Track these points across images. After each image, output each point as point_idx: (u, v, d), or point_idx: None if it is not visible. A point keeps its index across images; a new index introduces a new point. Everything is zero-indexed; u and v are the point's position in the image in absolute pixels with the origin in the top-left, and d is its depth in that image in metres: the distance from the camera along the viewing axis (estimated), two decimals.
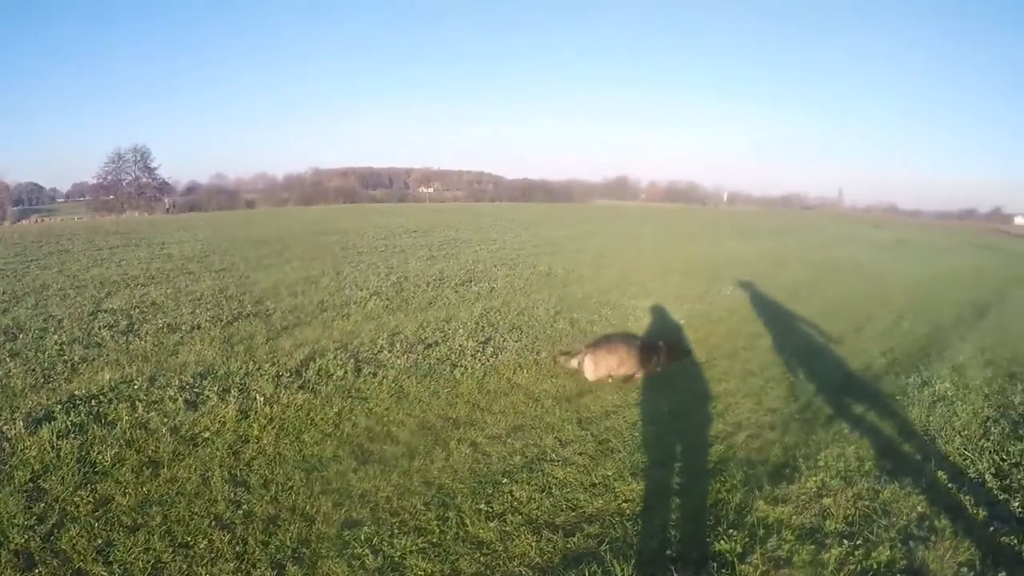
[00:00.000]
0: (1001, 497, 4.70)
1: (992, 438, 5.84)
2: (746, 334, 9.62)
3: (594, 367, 6.88)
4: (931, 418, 6.33)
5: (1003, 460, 5.35)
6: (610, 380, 6.93)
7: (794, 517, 4.20)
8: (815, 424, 6.03)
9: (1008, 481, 4.96)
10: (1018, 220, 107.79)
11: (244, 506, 4.08)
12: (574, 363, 7.02)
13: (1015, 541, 4.09)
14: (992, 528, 4.26)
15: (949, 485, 4.84)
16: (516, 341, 8.09)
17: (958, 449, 5.58)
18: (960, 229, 63.39)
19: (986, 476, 5.05)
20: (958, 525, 4.23)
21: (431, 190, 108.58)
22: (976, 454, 5.47)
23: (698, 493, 4.54)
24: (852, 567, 3.78)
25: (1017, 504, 4.59)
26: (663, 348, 7.35)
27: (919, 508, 4.47)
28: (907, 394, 7.06)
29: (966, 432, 5.98)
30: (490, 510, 4.18)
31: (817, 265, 19.65)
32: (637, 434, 5.58)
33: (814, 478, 4.75)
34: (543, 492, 4.45)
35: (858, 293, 14.55)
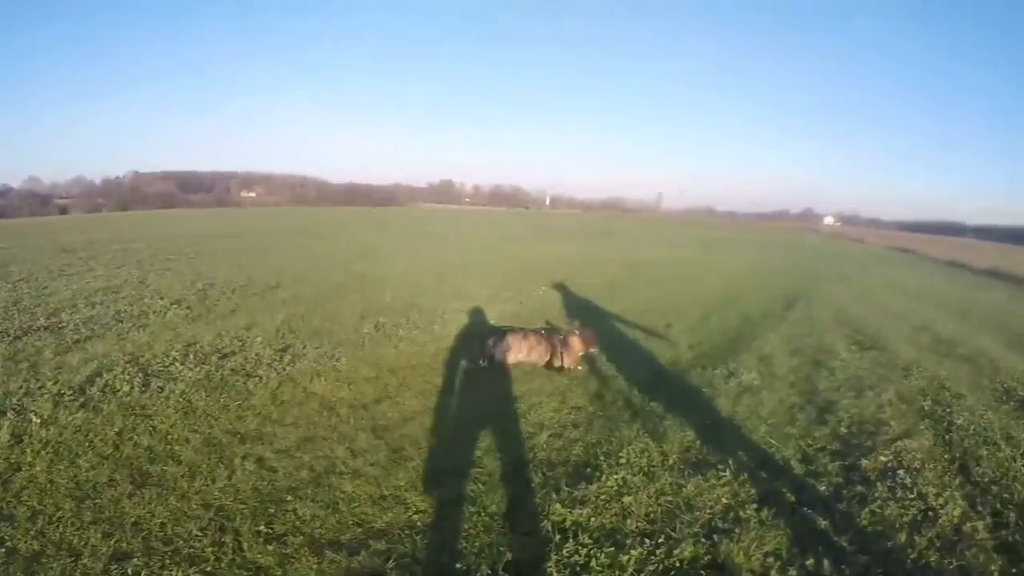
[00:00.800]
0: (808, 482, 5.29)
1: (798, 424, 6.60)
2: None
3: (503, 352, 7.90)
4: (737, 408, 7.04)
5: (809, 446, 6.05)
6: (520, 364, 7.97)
7: (593, 519, 4.46)
8: (619, 421, 6.53)
9: (814, 466, 5.60)
10: (827, 220, 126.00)
11: (8, 543, 3.97)
12: (489, 344, 8.02)
13: (823, 525, 4.58)
14: (799, 514, 4.71)
15: (755, 474, 5.35)
16: (316, 348, 8.68)
17: (763, 437, 6.23)
18: (773, 229, 75.07)
19: (792, 462, 5.68)
20: (764, 514, 4.65)
21: (253, 195, 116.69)
22: (782, 441, 6.13)
23: (494, 499, 4.76)
24: (653, 567, 4.00)
25: (824, 488, 5.17)
26: (572, 337, 8.20)
27: (724, 500, 4.88)
28: (713, 386, 7.79)
29: (772, 420, 6.71)
30: (271, 532, 4.24)
31: (632, 264, 22.44)
32: (434, 440, 5.88)
33: (615, 476, 5.10)
34: (329, 509, 4.57)
35: (671, 290, 16.54)
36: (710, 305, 14.06)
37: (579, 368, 8.15)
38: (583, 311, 12.25)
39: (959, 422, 6.74)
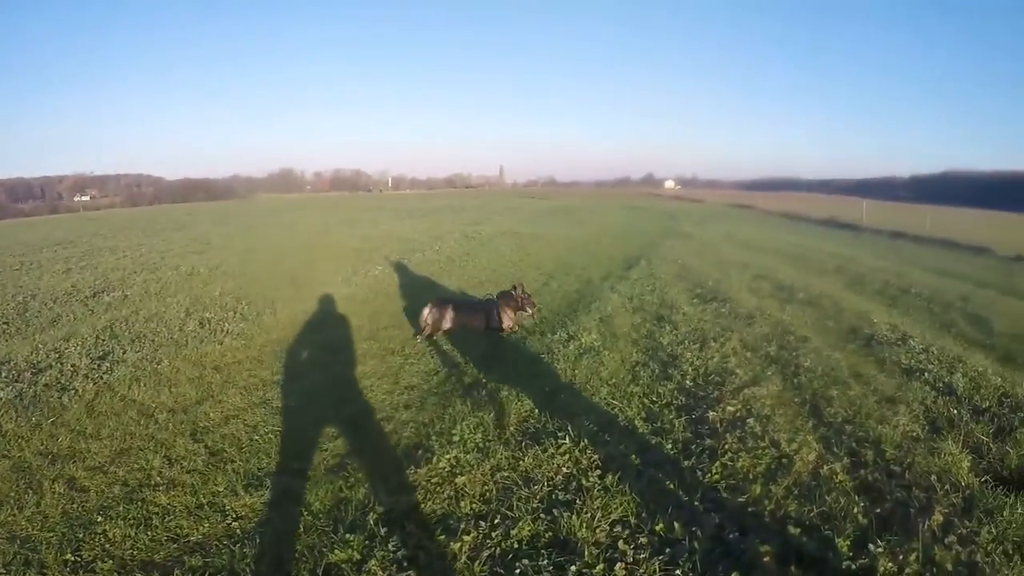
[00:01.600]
0: (653, 441, 4.97)
1: (641, 382, 6.33)
2: (389, 312, 10.41)
3: (433, 319, 8.21)
4: (577, 372, 6.75)
5: (653, 403, 5.77)
6: (446, 331, 8.24)
7: (423, 505, 4.20)
8: (453, 397, 6.33)
9: (659, 423, 5.31)
10: (668, 184, 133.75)
11: None
12: (424, 314, 8.30)
13: (672, 485, 4.27)
14: (646, 476, 4.39)
15: (597, 438, 5.00)
16: (137, 352, 8.25)
17: (605, 399, 5.93)
18: (616, 195, 79.07)
19: (636, 422, 5.37)
20: (609, 480, 4.31)
21: (87, 198, 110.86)
22: (624, 401, 5.83)
23: (318, 496, 4.48)
24: (488, 552, 3.64)
25: (670, 446, 4.86)
26: (505, 302, 8.26)
27: (564, 469, 4.55)
28: (552, 351, 7.54)
29: (613, 380, 6.44)
30: (78, 559, 3.93)
31: (472, 237, 22.18)
32: (257, 438, 5.62)
33: (447, 456, 4.81)
34: (142, 526, 4.27)
35: (511, 259, 16.67)
36: (551, 271, 14.20)
37: (516, 329, 8.37)
38: (420, 287, 12.22)
39: (806, 364, 6.69)
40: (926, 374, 6.55)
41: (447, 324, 8.20)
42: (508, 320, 8.21)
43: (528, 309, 8.42)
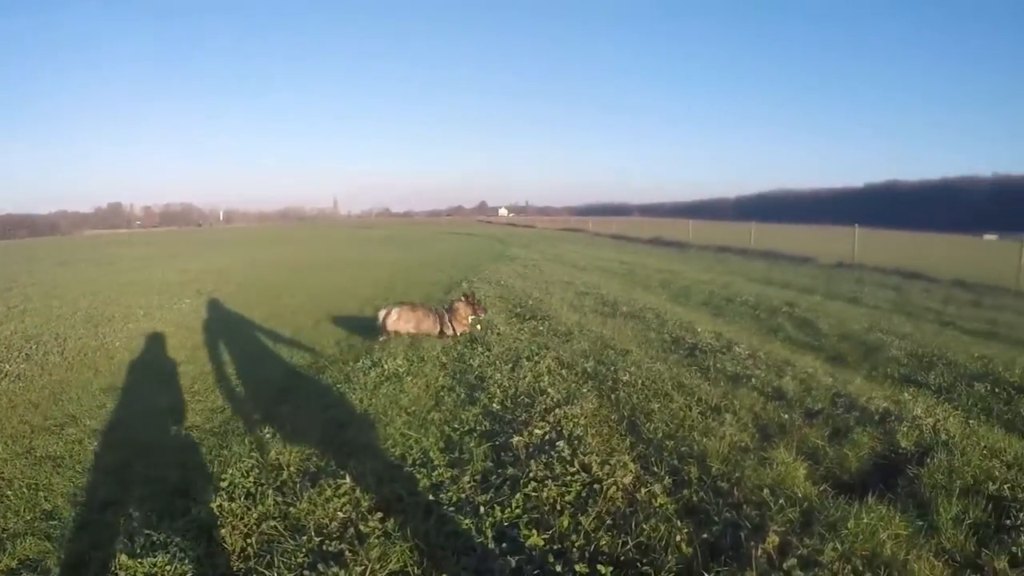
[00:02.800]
0: (448, 474, 4.34)
1: (444, 408, 5.81)
2: (188, 346, 9.82)
3: (392, 321, 8.58)
4: (374, 400, 6.17)
5: (455, 430, 5.20)
6: (408, 335, 8.53)
7: (170, 566, 3.50)
8: (232, 436, 5.68)
9: (458, 453, 4.72)
10: (501, 211, 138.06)
11: None
12: (380, 315, 8.72)
13: (465, 524, 3.65)
14: (435, 515, 3.78)
15: (385, 475, 4.38)
16: None
17: (401, 429, 5.31)
18: (449, 223, 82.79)
19: (432, 453, 4.73)
20: (391, 524, 3.69)
21: None
22: (422, 430, 5.25)
23: (58, 559, 3.83)
24: None
25: (468, 479, 4.24)
26: (459, 304, 8.87)
27: (340, 514, 3.88)
28: (351, 380, 6.94)
29: (414, 408, 5.88)
30: None
31: (294, 269, 21.86)
32: (10, 493, 4.84)
33: (212, 504, 4.10)
34: None
35: (329, 289, 16.14)
36: (369, 296, 13.87)
37: (467, 332, 8.70)
38: (225, 320, 11.81)
39: (625, 378, 6.30)
40: (753, 380, 6.41)
41: (403, 326, 8.63)
42: (460, 326, 8.69)
43: (480, 315, 8.98)
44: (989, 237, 76.14)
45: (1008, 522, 3.69)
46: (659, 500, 3.82)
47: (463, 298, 8.98)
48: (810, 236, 38.75)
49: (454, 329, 8.64)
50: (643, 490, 3.94)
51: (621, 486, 3.99)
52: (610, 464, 4.26)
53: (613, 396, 5.84)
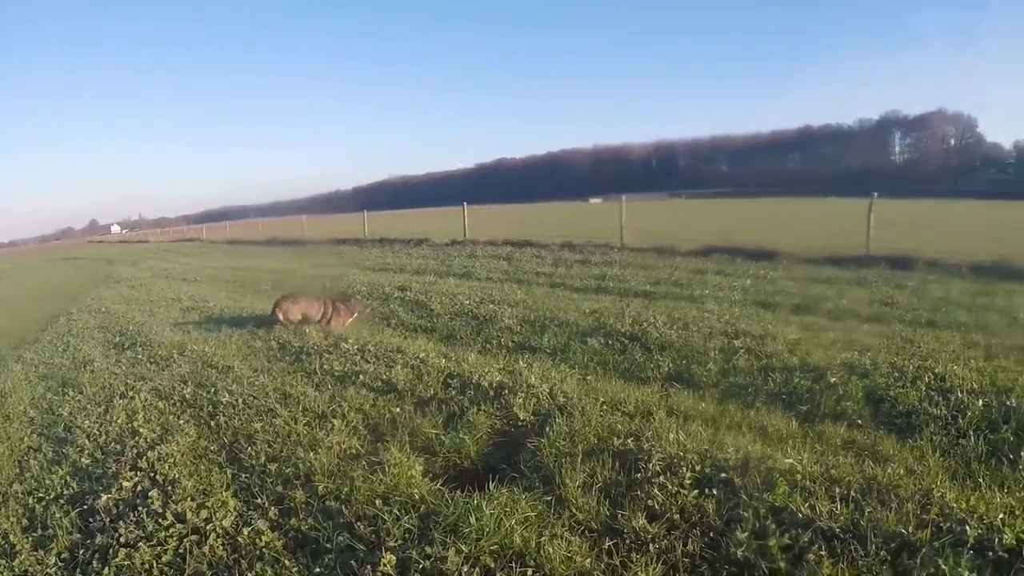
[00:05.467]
0: (31, 559, 3.73)
1: (30, 475, 4.93)
2: None
3: (282, 312, 9.14)
4: None
5: (39, 501, 4.46)
6: (299, 322, 9.09)
7: None
8: None
9: (41, 529, 4.07)
10: (114, 228, 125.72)
11: None
12: (276, 303, 9.35)
13: None
14: None
15: None
16: None
17: None
18: (58, 248, 75.26)
19: (12, 536, 4.02)
20: None
21: None
22: (2, 511, 4.41)
23: None
24: None
25: (53, 561, 3.68)
26: (341, 304, 9.48)
27: None
28: None
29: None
30: None
31: None
32: None
33: None
34: None
35: None
36: None
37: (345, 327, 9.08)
38: None
39: (226, 399, 5.92)
40: (362, 376, 6.33)
41: (292, 316, 9.11)
42: (338, 324, 9.10)
43: (358, 312, 9.56)
44: (595, 201, 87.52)
45: (639, 475, 3.87)
46: (265, 537, 3.61)
47: (348, 300, 9.79)
48: (427, 219, 41.09)
49: (332, 324, 9.04)
50: (246, 530, 3.69)
51: (221, 531, 3.71)
52: (208, 507, 3.94)
53: (213, 423, 5.47)
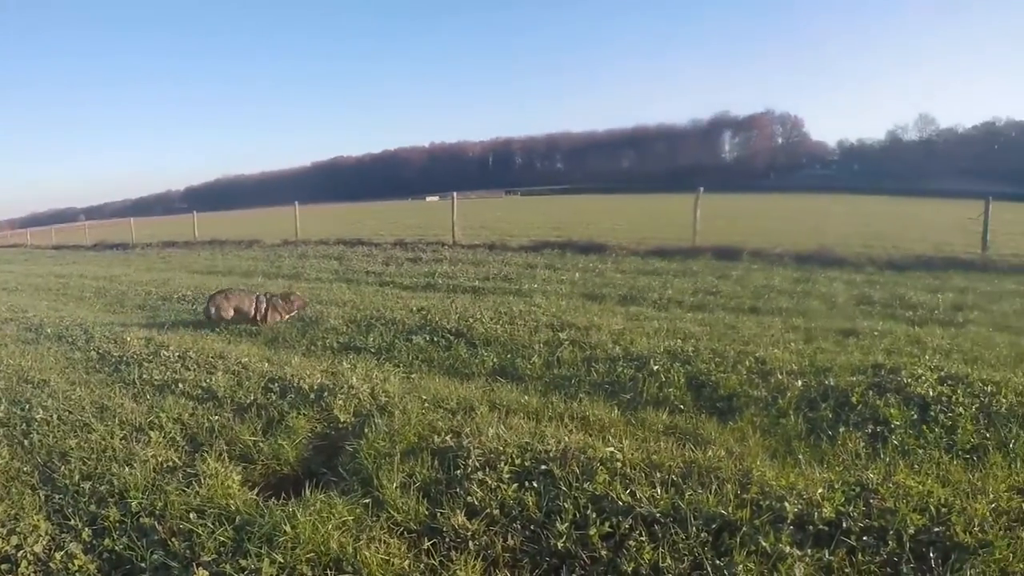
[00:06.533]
0: None
1: None
2: None
3: (215, 308, 9.31)
4: None
5: None
6: (232, 319, 9.28)
7: None
8: None
9: None
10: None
11: None
12: (210, 298, 9.64)
13: None
14: None
15: None
16: None
17: None
18: None
19: None
20: None
21: None
22: None
23: None
24: None
25: None
26: (276, 299, 9.51)
27: None
28: None
29: None
30: None
31: None
32: None
33: None
34: None
35: None
36: None
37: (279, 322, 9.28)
38: None
39: (40, 416, 5.51)
40: (182, 384, 6.11)
41: (225, 312, 9.19)
42: (275, 320, 9.20)
43: (297, 309, 9.50)
44: (432, 199, 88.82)
45: (458, 472, 3.89)
46: (78, 561, 3.43)
47: (286, 296, 9.59)
48: (260, 219, 40.64)
49: (266, 318, 9.15)
50: (58, 554, 3.50)
51: (32, 557, 3.51)
52: (19, 532, 3.69)
53: (27, 441, 5.07)
